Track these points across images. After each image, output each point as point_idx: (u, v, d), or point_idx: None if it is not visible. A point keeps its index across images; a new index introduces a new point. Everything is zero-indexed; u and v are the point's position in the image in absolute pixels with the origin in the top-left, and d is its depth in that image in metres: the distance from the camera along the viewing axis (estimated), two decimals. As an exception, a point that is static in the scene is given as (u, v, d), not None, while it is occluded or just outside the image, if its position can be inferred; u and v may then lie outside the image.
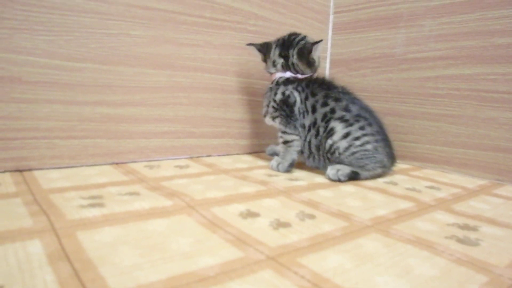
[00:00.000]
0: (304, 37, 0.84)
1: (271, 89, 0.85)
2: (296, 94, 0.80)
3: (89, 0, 0.74)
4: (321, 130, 0.77)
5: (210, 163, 0.87)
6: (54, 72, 0.71)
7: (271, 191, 0.65)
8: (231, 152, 1.01)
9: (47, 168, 0.72)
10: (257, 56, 1.02)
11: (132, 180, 0.67)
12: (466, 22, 0.87)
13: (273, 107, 0.83)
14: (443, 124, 0.92)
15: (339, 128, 0.75)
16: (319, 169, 0.84)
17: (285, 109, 0.81)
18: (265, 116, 0.87)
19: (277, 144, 1.02)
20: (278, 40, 0.85)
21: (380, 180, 0.79)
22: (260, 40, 1.00)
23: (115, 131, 0.80)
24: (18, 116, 0.68)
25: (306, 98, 0.80)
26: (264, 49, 0.86)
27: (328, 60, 1.19)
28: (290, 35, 0.84)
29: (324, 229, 0.48)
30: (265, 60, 0.87)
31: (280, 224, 0.49)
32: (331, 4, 1.15)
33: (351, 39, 1.11)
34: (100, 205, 0.52)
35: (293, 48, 0.82)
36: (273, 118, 0.84)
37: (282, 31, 1.03)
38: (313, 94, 0.79)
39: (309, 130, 0.79)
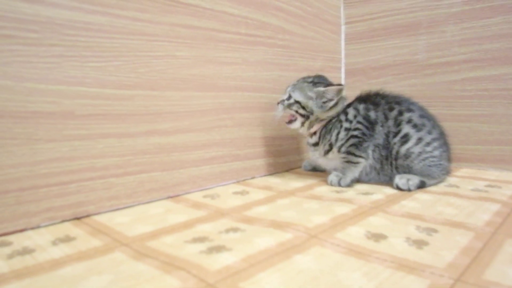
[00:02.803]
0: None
1: (334, 122, 0.80)
2: (370, 112, 0.78)
3: (135, 21, 0.66)
4: (391, 136, 0.75)
5: (264, 186, 0.81)
6: (106, 102, 0.62)
7: (364, 209, 0.61)
8: (271, 172, 0.96)
9: (105, 212, 0.62)
10: (287, 71, 0.99)
11: (211, 215, 0.60)
12: (488, 26, 0.91)
13: (347, 129, 0.78)
14: (474, 124, 0.95)
15: (412, 133, 0.74)
16: (379, 181, 0.81)
17: (365, 124, 0.77)
18: (328, 152, 0.81)
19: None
20: (322, 81, 0.83)
21: (442, 185, 0.79)
22: (287, 54, 0.97)
23: (168, 162, 0.72)
24: (73, 156, 0.58)
25: (375, 110, 0.78)
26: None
27: (343, 70, 1.19)
28: (317, 76, 0.85)
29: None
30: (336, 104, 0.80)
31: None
32: (342, 15, 1.16)
33: (367, 48, 1.13)
34: (224, 248, 0.45)
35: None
36: (340, 148, 0.79)
37: (305, 44, 1.02)
38: (376, 104, 0.78)
39: (382, 143, 0.76)
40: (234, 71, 0.84)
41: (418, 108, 0.77)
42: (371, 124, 0.77)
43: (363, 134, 0.77)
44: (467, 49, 0.95)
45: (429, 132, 0.75)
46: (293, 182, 0.84)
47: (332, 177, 0.80)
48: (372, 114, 0.78)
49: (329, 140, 0.81)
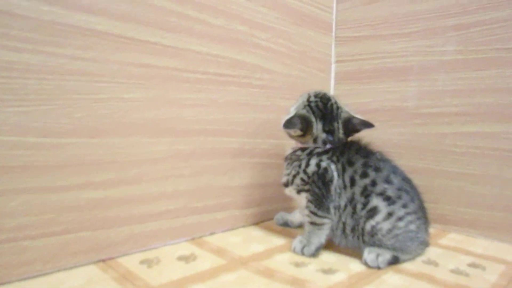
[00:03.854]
0: (336, 101, 0.72)
1: (299, 157, 0.70)
2: (333, 167, 0.66)
3: (75, 60, 0.57)
4: (359, 207, 0.64)
5: (218, 248, 0.69)
6: (26, 152, 0.53)
7: (316, 301, 0.50)
8: (237, 225, 0.84)
9: (12, 282, 0.52)
10: (265, 112, 0.88)
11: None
12: (482, 78, 0.80)
13: (302, 179, 0.68)
14: (465, 184, 0.83)
15: (381, 207, 0.62)
16: (348, 247, 0.69)
17: (319, 185, 0.66)
18: (286, 186, 0.72)
19: (286, 210, 0.88)
20: (313, 109, 0.70)
21: (419, 260, 0.67)
22: (265, 95, 0.87)
23: (103, 219, 0.61)
24: (-25, 217, 0.48)
25: (344, 170, 0.66)
26: (305, 126, 0.68)
27: (329, 110, 1.08)
28: (324, 99, 0.71)
29: None
30: (303, 135, 0.70)
31: None
32: (332, 53, 1.06)
33: (356, 90, 1.02)
34: None
35: (337, 121, 0.69)
36: (299, 191, 0.70)
37: (288, 84, 0.92)
38: (350, 163, 0.66)
39: (344, 208, 0.65)
40: (197, 114, 0.74)
41: (399, 180, 0.65)
42: (324, 185, 0.66)
43: (316, 194, 0.66)
44: (459, 101, 0.83)
45: (404, 206, 0.63)
46: (254, 244, 0.72)
47: (296, 243, 0.68)
48: (331, 173, 0.66)
49: (287, 175, 0.71)
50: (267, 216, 0.90)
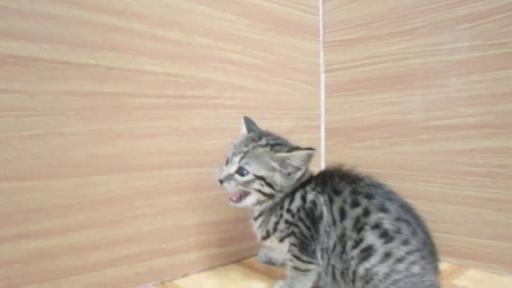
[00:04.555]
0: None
1: (280, 201, 0.65)
2: (321, 200, 0.61)
3: (-5, 94, 0.54)
4: (350, 244, 0.58)
5: None
6: None
7: None
8: (214, 264, 0.80)
9: None
10: (238, 137, 0.84)
11: None
12: (505, 80, 0.73)
13: (287, 221, 0.63)
14: (487, 211, 0.76)
15: (377, 246, 0.56)
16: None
17: (307, 224, 0.61)
18: (267, 237, 0.66)
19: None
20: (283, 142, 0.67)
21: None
22: (239, 116, 0.82)
23: (52, 270, 0.59)
24: None
25: (331, 201, 0.61)
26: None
27: (322, 129, 1.03)
28: (267, 133, 0.69)
29: None
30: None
31: None
32: (321, 61, 1.02)
33: (350, 102, 0.97)
34: None
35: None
36: (282, 239, 0.64)
37: (267, 102, 0.88)
38: (337, 192, 0.61)
39: (334, 248, 0.60)
40: (156, 145, 0.70)
41: (396, 207, 0.59)
42: (313, 224, 0.60)
43: (302, 235, 0.61)
44: (477, 109, 0.77)
45: (405, 243, 0.56)
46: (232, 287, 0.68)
47: (277, 291, 0.63)
48: (320, 208, 0.61)
49: (266, 226, 0.65)
50: (250, 252, 0.86)
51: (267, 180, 0.62)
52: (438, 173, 0.82)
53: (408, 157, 0.86)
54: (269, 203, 0.65)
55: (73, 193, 0.61)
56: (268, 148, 0.63)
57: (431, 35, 0.82)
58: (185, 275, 0.74)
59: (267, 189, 0.62)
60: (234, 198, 0.64)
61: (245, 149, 0.63)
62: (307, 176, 0.65)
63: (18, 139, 0.56)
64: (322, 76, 1.02)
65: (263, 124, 0.87)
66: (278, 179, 0.62)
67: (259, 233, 0.68)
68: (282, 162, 0.62)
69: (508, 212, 0.73)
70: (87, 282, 0.63)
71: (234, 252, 0.83)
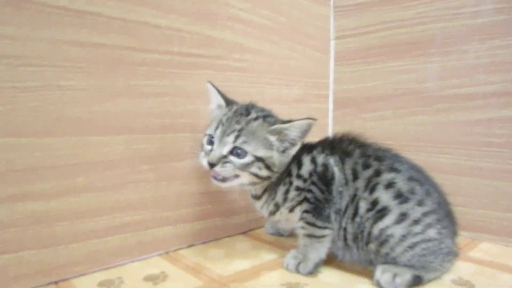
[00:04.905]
0: None
1: (284, 171, 0.60)
2: (331, 161, 0.58)
3: (-15, 38, 0.48)
4: (363, 206, 0.55)
5: (194, 265, 0.62)
6: None
7: None
8: (220, 236, 0.76)
9: None
10: (246, 102, 0.79)
11: None
12: (529, 45, 0.69)
13: (298, 188, 0.58)
14: (504, 183, 0.72)
15: (392, 205, 0.53)
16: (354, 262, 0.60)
17: (321, 187, 0.57)
18: (275, 212, 0.62)
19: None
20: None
21: (447, 279, 0.57)
22: (247, 80, 0.78)
23: (50, 235, 0.55)
24: None
25: (343, 162, 0.58)
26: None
27: (330, 99, 0.98)
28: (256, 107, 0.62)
29: None
30: None
31: None
32: (331, 27, 0.96)
33: (362, 71, 0.92)
34: None
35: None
36: (292, 208, 0.60)
37: (276, 66, 0.82)
38: (348, 154, 0.58)
39: (345, 210, 0.56)
40: (161, 105, 0.65)
41: (406, 168, 0.56)
42: (327, 186, 0.56)
43: (317, 199, 0.56)
44: (498, 77, 0.72)
45: (420, 203, 0.53)
46: (238, 259, 0.65)
47: (289, 260, 0.60)
48: (331, 169, 0.57)
49: (273, 199, 0.61)
50: (257, 224, 0.82)
51: (266, 162, 0.56)
52: (454, 144, 0.78)
53: (423, 128, 0.81)
54: (266, 183, 0.60)
55: (72, 153, 0.56)
56: (260, 121, 0.57)
57: (452, -3, 0.77)
58: (190, 246, 0.71)
59: (264, 172, 0.56)
60: (220, 177, 0.56)
61: (237, 126, 0.55)
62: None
63: (10, 90, 0.51)
64: (332, 43, 0.96)
65: (272, 91, 0.83)
66: (276, 159, 0.57)
67: (265, 210, 0.63)
68: (279, 136, 0.57)
69: (526, 183, 0.70)
70: (87, 250, 0.58)
71: (241, 223, 0.79)
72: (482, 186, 0.74)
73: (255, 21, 0.77)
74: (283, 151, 0.57)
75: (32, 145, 0.53)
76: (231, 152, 0.55)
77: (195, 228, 0.71)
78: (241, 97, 0.75)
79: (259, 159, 0.55)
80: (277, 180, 0.60)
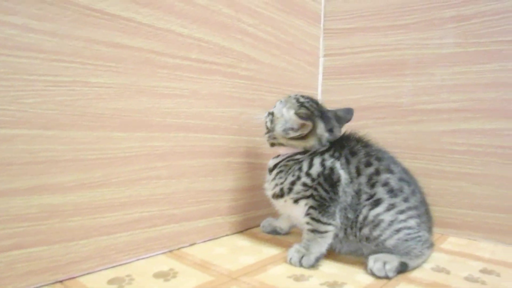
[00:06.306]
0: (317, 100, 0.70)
1: (298, 160, 0.65)
2: (337, 165, 0.62)
3: (27, 32, 0.47)
4: (364, 197, 0.60)
5: (202, 262, 0.61)
6: (-41, 146, 0.42)
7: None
8: (220, 234, 0.76)
9: None
10: (251, 107, 0.82)
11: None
12: (483, 72, 0.79)
13: (305, 184, 0.63)
14: (466, 184, 0.81)
15: (385, 198, 0.59)
16: (349, 252, 0.65)
17: (326, 187, 0.61)
18: (280, 196, 0.66)
19: (274, 216, 0.81)
20: (310, 109, 0.66)
21: (427, 267, 0.63)
22: (252, 87, 0.81)
23: (62, 230, 0.52)
24: None
25: (348, 162, 0.63)
26: (312, 124, 0.63)
27: (318, 108, 1.04)
28: (313, 99, 0.69)
29: None
30: (303, 137, 0.64)
31: None
32: (321, 46, 1.02)
33: (347, 85, 0.98)
34: None
35: (332, 119, 0.67)
36: (297, 200, 0.64)
37: (275, 76, 0.86)
38: (354, 154, 0.64)
39: (350, 203, 0.61)
40: (177, 106, 0.66)
41: (399, 170, 0.63)
42: (332, 187, 0.61)
43: (321, 197, 0.61)
44: (459, 96, 0.82)
45: (405, 200, 0.60)
46: (243, 255, 0.65)
47: (292, 253, 0.62)
48: (337, 172, 0.62)
49: (281, 184, 0.65)
50: (253, 223, 0.83)
51: (274, 117, 0.68)
52: (425, 151, 0.86)
53: (398, 136, 0.89)
54: (296, 157, 0.65)
55: (93, 147, 0.55)
56: (294, 101, 0.69)
57: (423, 30, 0.86)
58: (192, 244, 0.69)
59: (268, 124, 0.68)
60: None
61: (289, 97, 0.71)
62: (312, 142, 0.65)
63: (42, 84, 0.49)
64: (321, 60, 1.02)
65: (271, 98, 0.86)
66: (278, 122, 0.66)
67: (271, 189, 0.67)
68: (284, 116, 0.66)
69: (484, 185, 0.79)
70: (97, 246, 0.55)
71: (239, 222, 0.80)
72: (448, 187, 0.83)
73: (260, 36, 0.81)
74: (287, 129, 0.64)
75: (56, 138, 0.51)
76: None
77: (198, 226, 0.71)
78: (246, 102, 0.78)
79: (271, 113, 0.68)
80: (288, 167, 0.65)
